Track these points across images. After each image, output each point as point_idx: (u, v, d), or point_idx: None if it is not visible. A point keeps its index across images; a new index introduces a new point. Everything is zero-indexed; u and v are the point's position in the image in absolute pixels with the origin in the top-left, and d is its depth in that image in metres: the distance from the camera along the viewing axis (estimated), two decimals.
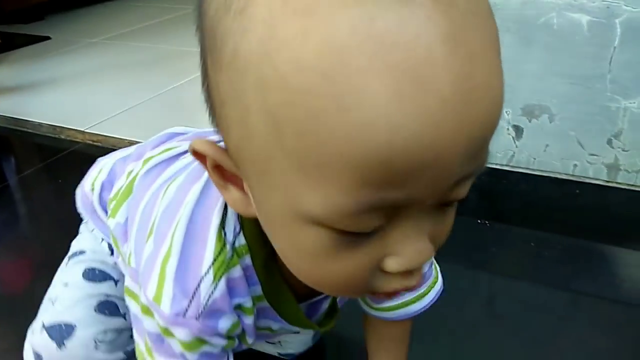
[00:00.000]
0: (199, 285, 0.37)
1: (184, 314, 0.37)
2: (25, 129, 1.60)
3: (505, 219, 1.05)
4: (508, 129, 0.95)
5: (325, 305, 0.50)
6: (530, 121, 0.95)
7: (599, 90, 0.92)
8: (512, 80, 0.91)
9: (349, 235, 0.28)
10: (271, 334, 0.50)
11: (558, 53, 0.90)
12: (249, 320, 0.42)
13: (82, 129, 1.50)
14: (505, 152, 0.97)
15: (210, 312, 0.38)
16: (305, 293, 0.45)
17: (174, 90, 1.81)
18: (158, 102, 1.71)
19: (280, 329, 0.48)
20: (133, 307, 0.43)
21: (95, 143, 1.48)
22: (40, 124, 1.57)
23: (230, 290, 0.39)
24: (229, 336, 0.41)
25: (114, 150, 1.39)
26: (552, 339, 0.73)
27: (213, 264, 0.37)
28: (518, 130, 0.95)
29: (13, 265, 1.03)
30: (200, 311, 0.37)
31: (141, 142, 1.46)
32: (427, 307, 0.56)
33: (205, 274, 0.37)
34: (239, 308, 0.41)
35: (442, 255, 0.44)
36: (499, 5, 0.86)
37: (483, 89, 0.25)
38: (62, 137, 1.53)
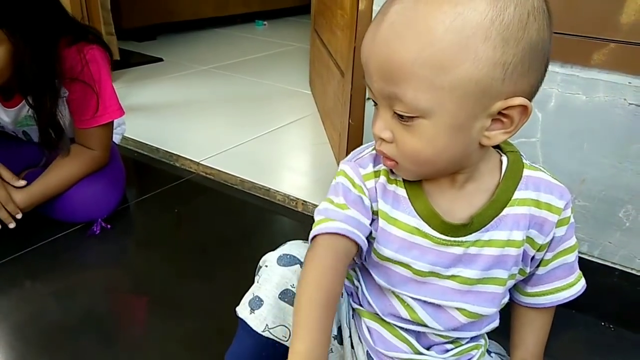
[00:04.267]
0: (363, 150, 0.66)
1: (350, 160, 0.66)
2: (142, 152, 1.68)
3: (631, 326, 0.99)
4: None
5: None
6: None
7: None
8: None
9: (375, 104, 0.56)
10: (412, 275, 0.63)
11: None
12: (385, 197, 0.63)
13: (197, 160, 1.56)
14: None
15: (361, 162, 0.64)
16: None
17: (282, 130, 1.86)
18: (268, 140, 1.76)
19: (419, 258, 0.62)
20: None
21: (208, 176, 1.53)
22: (157, 149, 1.65)
23: (377, 157, 0.63)
24: (370, 200, 0.63)
25: (225, 184, 1.45)
26: None
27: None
28: None
29: (120, 287, 1.07)
30: (357, 157, 0.65)
31: (250, 180, 1.55)
32: (573, 298, 0.68)
33: (368, 147, 0.66)
34: (381, 172, 0.63)
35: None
36: None
37: (385, 43, 0.50)
38: (177, 165, 1.60)
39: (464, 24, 0.47)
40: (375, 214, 0.64)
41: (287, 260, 0.67)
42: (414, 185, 0.62)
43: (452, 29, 0.47)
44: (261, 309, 0.65)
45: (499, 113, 0.52)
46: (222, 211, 1.38)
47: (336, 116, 1.54)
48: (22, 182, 1.15)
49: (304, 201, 1.36)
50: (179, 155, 1.60)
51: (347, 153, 1.33)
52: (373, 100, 0.56)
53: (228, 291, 1.06)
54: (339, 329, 0.74)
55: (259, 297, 0.66)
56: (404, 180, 0.63)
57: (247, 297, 0.68)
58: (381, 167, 0.64)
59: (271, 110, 2.05)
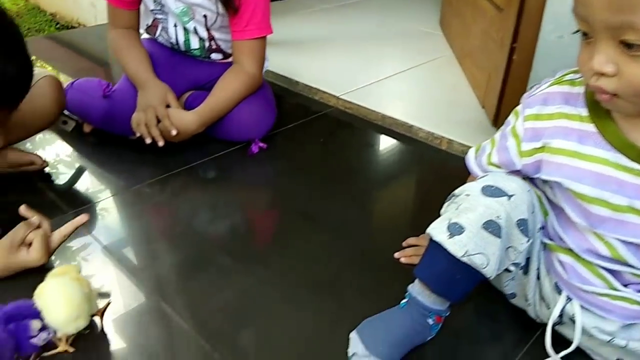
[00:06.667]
0: (539, 86, 0.69)
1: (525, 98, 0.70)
2: (282, 85, 1.71)
3: None
4: None
5: None
6: None
7: None
8: None
9: (586, 36, 0.54)
10: (611, 212, 0.61)
11: None
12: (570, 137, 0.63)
13: (336, 94, 1.57)
14: None
15: (530, 101, 0.68)
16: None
17: (416, 69, 1.82)
18: (403, 79, 1.74)
19: (617, 191, 0.60)
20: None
21: (347, 110, 1.54)
22: (297, 82, 1.67)
23: (550, 97, 0.66)
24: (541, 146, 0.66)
25: (364, 119, 1.45)
26: None
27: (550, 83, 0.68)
28: None
29: (269, 206, 1.12)
30: (531, 94, 0.69)
31: (391, 116, 1.42)
32: None
33: (545, 82, 0.68)
34: (556, 114, 0.65)
35: None
36: None
37: None
38: (316, 98, 1.62)
39: None
40: (532, 154, 0.68)
41: (493, 192, 0.66)
42: (603, 119, 0.61)
43: None
44: (462, 235, 0.65)
45: None
46: (364, 144, 1.39)
47: (484, 56, 1.47)
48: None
49: (450, 139, 1.33)
50: (317, 89, 1.62)
51: (501, 93, 1.29)
52: (584, 34, 0.54)
53: (373, 218, 1.11)
54: (528, 260, 0.74)
55: (459, 224, 0.65)
56: (590, 116, 0.62)
57: (442, 222, 0.68)
58: (558, 108, 0.65)
59: (402, 50, 2.01)
